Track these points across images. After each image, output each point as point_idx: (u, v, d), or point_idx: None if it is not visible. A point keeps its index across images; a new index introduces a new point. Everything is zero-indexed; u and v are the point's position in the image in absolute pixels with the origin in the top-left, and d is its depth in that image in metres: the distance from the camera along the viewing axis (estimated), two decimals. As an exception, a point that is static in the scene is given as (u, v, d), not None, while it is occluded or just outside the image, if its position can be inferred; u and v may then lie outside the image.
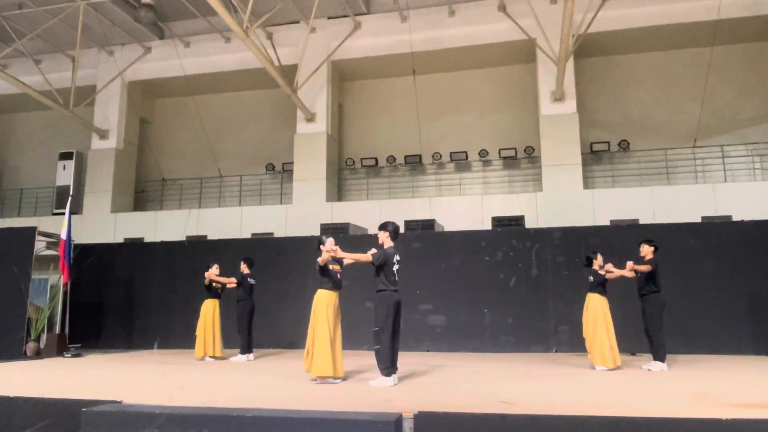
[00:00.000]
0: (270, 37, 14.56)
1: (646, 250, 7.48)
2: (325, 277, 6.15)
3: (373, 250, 5.90)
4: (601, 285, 7.45)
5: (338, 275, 6.25)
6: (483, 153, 14.38)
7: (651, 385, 5.76)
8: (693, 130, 13.41)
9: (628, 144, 13.72)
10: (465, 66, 15.03)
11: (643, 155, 13.80)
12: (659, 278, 7.35)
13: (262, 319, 9.54)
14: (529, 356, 9.03)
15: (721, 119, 13.65)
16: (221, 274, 9.17)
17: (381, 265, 5.85)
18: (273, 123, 16.16)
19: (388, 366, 5.71)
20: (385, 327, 5.76)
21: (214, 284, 9.17)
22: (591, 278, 7.50)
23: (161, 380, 6.40)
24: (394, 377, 5.74)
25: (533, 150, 14.05)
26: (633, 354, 8.93)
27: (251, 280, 9.04)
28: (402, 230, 11.78)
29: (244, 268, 9.04)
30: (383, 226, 6.12)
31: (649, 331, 7.24)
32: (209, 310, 9.07)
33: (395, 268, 5.90)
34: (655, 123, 14.00)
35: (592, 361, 7.30)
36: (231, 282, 9.06)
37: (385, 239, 6.06)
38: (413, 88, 14.73)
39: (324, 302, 6.04)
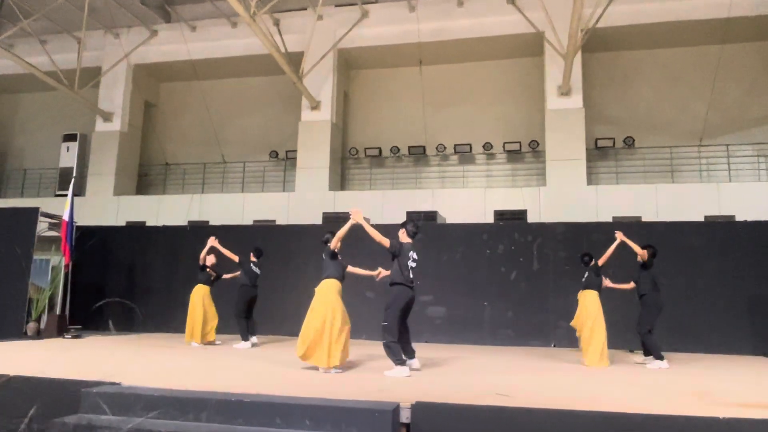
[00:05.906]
0: (277, 23, 14.48)
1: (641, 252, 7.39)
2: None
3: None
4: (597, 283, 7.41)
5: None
6: (487, 146, 14.33)
7: (648, 381, 5.76)
8: (699, 129, 13.34)
9: (634, 141, 13.66)
10: (472, 58, 14.95)
11: (648, 152, 13.74)
12: (658, 278, 7.39)
13: (262, 306, 9.54)
14: (528, 350, 9.04)
15: (728, 118, 13.57)
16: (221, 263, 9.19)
17: (396, 256, 5.87)
18: (277, 110, 16.11)
19: (400, 358, 5.74)
20: (395, 320, 5.77)
21: (207, 269, 9.19)
22: (586, 275, 7.46)
23: (160, 363, 6.42)
24: (406, 368, 5.72)
25: (538, 144, 14.00)
26: (631, 351, 8.94)
27: (256, 269, 9.00)
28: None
29: (251, 256, 9.03)
30: (403, 224, 6.18)
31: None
32: (198, 296, 9.04)
33: (410, 264, 5.91)
34: (662, 120, 13.92)
35: (589, 362, 7.04)
36: (233, 257, 8.95)
37: (403, 236, 6.08)
38: (419, 79, 14.66)
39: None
